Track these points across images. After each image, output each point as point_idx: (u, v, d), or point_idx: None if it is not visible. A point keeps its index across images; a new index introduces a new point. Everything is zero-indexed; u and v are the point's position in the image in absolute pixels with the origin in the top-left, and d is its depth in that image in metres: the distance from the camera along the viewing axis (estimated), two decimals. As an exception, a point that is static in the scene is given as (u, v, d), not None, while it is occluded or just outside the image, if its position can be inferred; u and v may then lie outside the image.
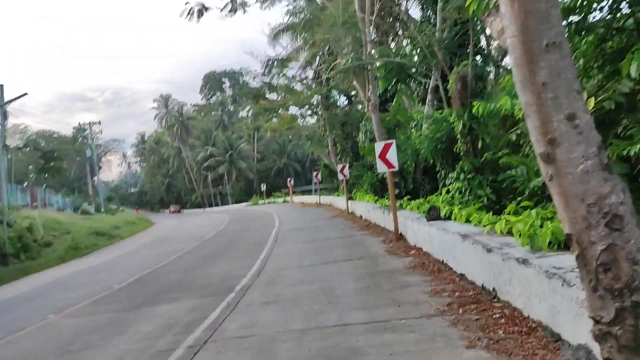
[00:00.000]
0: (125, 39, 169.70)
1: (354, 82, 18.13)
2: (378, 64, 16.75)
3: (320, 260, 11.38)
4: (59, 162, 41.99)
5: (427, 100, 16.79)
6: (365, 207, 20.80)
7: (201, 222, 38.52)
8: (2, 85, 30.66)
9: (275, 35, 36.56)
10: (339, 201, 30.20)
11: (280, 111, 38.81)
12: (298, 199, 48.79)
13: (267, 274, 10.76)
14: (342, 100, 37.91)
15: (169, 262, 15.61)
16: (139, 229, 40.99)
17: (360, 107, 37.87)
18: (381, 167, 12.56)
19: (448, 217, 10.13)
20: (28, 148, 38.39)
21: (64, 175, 48.86)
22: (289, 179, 50.94)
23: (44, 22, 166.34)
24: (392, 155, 12.36)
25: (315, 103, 37.23)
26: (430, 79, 16.97)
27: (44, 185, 50.28)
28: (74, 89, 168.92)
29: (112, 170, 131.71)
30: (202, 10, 24.43)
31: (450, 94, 13.23)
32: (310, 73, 39.13)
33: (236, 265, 12.58)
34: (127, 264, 17.62)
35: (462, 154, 13.14)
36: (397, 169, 12.49)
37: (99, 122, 67.52)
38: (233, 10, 24.56)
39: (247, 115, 63.97)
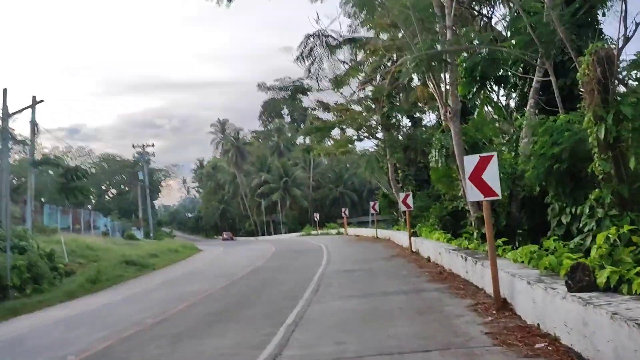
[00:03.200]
0: (193, 68, 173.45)
1: (428, 83, 13.76)
2: (458, 56, 12.30)
3: (375, 344, 6.89)
4: (84, 181, 39.34)
5: (528, 105, 12.17)
6: (435, 247, 16.19)
7: (245, 253, 34.84)
8: (5, 89, 27.72)
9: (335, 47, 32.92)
10: (399, 236, 25.58)
11: (334, 133, 34.92)
12: (353, 230, 44.41)
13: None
14: (405, 122, 33.53)
15: (166, 319, 11.48)
16: (178, 258, 37.60)
17: (425, 128, 33.38)
18: (473, 195, 8.05)
19: (612, 288, 5.51)
20: (47, 165, 35.91)
21: (88, 196, 46.26)
22: (343, 209, 46.58)
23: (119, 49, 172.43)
24: (492, 176, 7.84)
25: (374, 124, 33.03)
26: (533, 75, 12.34)
27: (88, 207, 48.20)
28: (145, 116, 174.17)
29: (171, 195, 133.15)
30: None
31: (582, 87, 8.62)
32: (369, 91, 35.15)
33: (245, 339, 8.27)
34: (119, 313, 13.70)
35: (599, 177, 8.47)
36: (499, 196, 7.93)
37: (152, 145, 66.05)
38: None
39: (303, 141, 60.67)
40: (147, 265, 31.09)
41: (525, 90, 13.10)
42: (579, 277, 5.61)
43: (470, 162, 8.07)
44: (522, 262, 8.50)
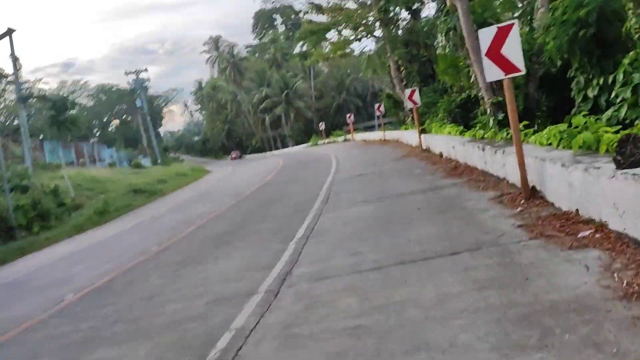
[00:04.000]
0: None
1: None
2: None
3: (395, 251, 6.17)
4: (74, 113, 38.16)
5: None
6: (447, 141, 15.28)
7: (252, 170, 34.25)
8: (12, 30, 26.49)
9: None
10: (408, 136, 24.66)
11: (330, 35, 32.91)
12: (360, 136, 43.46)
13: (293, 290, 5.74)
14: (403, 16, 31.38)
15: (171, 245, 10.91)
16: (187, 182, 37.21)
17: (426, 20, 31.37)
18: (492, 74, 6.97)
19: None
20: (34, 99, 34.49)
21: (79, 127, 44.83)
22: (347, 115, 45.33)
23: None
24: (514, 49, 6.73)
25: (371, 21, 30.98)
26: None
27: (92, 140, 47.40)
28: (136, 43, 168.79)
29: (175, 120, 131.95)
30: None
31: None
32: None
33: (253, 259, 7.63)
34: (125, 243, 13.21)
35: (636, 36, 7.34)
36: (523, 71, 6.86)
37: (146, 70, 63.98)
38: None
39: (301, 49, 58.03)
40: (155, 191, 30.74)
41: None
42: (630, 150, 4.70)
43: (487, 35, 6.93)
44: (550, 144, 7.59)
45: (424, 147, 19.06)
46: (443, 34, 11.81)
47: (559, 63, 9.71)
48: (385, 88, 38.48)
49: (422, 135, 19.58)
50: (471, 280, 4.58)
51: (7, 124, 46.26)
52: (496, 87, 11.26)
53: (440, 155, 16.02)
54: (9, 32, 25.47)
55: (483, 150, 10.54)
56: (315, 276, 5.94)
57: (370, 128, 57.59)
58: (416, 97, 19.77)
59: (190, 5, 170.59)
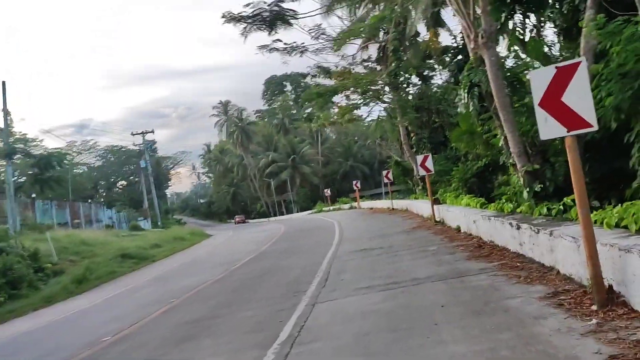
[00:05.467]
0: (195, 55, 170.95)
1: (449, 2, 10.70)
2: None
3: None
4: (59, 172, 36.51)
5: (587, 11, 9.03)
6: (466, 214, 13.34)
7: (253, 236, 32.47)
8: (3, 82, 25.37)
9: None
10: (419, 205, 22.75)
11: (338, 99, 31.74)
12: (366, 204, 41.70)
13: None
14: (414, 81, 30.27)
15: (130, 334, 8.79)
16: (183, 247, 35.26)
17: (437, 84, 30.23)
18: (550, 129, 5.09)
19: None
20: (17, 155, 32.94)
21: (64, 188, 43.17)
22: (354, 182, 43.67)
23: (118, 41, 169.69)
24: (581, 96, 4.91)
25: (380, 86, 29.84)
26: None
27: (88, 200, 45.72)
28: (150, 107, 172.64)
29: (182, 182, 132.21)
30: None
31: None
32: (372, 51, 31.91)
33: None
34: (81, 326, 11.13)
35: None
36: (595, 126, 5.00)
37: (152, 131, 63.30)
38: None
39: (305, 112, 57.33)
40: (146, 257, 28.68)
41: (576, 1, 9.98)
42: None
43: (541, 79, 5.15)
44: (625, 227, 5.63)
45: (438, 219, 17.12)
46: (465, 90, 10.14)
47: (613, 125, 7.89)
48: (394, 156, 36.95)
49: (435, 206, 17.67)
50: None
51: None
52: (532, 153, 9.42)
53: (458, 229, 14.02)
54: (2, 84, 24.39)
55: (518, 228, 8.57)
56: None
57: (377, 196, 55.96)
58: (429, 163, 18.05)
59: (204, 72, 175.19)
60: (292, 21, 25.94)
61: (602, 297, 4.96)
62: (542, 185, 9.07)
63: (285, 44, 26.25)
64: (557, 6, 10.97)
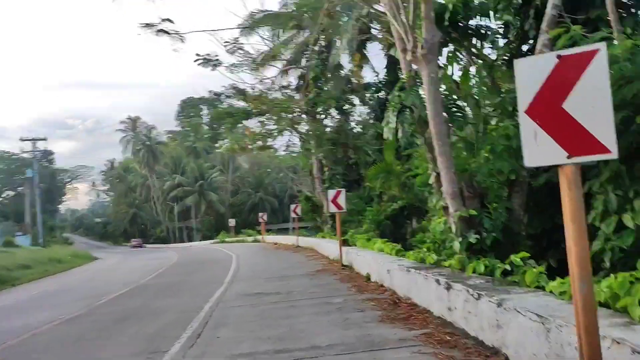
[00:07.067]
0: (110, 68, 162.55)
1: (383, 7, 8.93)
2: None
3: None
4: None
5: (543, 28, 7.53)
6: (378, 260, 11.42)
7: (141, 263, 29.13)
8: None
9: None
10: (326, 245, 20.75)
11: (252, 124, 29.60)
12: (272, 238, 39.33)
13: None
14: (334, 113, 28.90)
15: None
16: (58, 270, 31.10)
17: (356, 121, 29.02)
18: (543, 152, 3.26)
19: None
20: None
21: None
22: (260, 214, 41.31)
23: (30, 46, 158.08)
24: (597, 102, 3.13)
25: (297, 113, 28.12)
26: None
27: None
28: (56, 116, 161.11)
29: (80, 199, 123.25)
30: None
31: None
32: (292, 79, 30.31)
33: None
34: None
35: None
36: (613, 152, 3.20)
37: (45, 139, 57.53)
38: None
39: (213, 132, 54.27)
40: (5, 280, 24.38)
41: (525, 26, 8.60)
42: None
43: (533, 72, 3.30)
44: (623, 309, 3.82)
45: (345, 263, 15.18)
46: (394, 113, 8.29)
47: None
48: (304, 190, 35.21)
49: (344, 248, 15.75)
50: None
51: None
52: (468, 195, 7.67)
53: (368, 278, 12.07)
54: None
55: (447, 288, 6.69)
56: None
57: (284, 231, 53.87)
58: (341, 199, 16.13)
59: (120, 87, 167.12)
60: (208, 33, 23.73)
61: None
62: (478, 237, 7.31)
63: (177, 32, 23.13)
64: (502, 32, 9.59)
